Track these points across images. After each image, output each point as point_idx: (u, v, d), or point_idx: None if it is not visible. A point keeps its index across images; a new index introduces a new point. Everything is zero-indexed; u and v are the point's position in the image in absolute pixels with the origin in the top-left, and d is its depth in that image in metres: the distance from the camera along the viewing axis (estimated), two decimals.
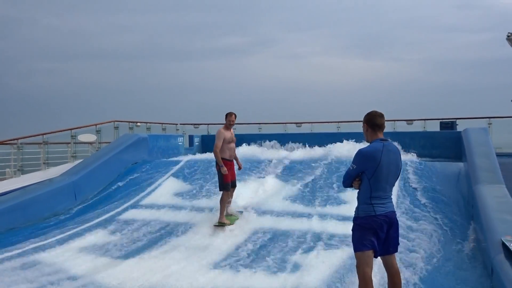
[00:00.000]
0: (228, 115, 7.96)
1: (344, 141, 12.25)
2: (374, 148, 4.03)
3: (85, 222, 8.43)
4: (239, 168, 8.23)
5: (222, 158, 7.75)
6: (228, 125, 7.94)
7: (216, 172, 7.97)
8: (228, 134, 7.87)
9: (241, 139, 14.11)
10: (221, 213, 7.68)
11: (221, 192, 7.84)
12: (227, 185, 7.80)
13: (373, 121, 4.13)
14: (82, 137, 13.45)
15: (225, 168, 7.64)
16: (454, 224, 7.24)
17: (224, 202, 7.77)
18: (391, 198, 4.15)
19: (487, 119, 13.98)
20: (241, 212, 8.19)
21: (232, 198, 8.11)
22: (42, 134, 12.59)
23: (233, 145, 8.01)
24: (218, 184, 7.96)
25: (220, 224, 7.57)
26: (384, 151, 4.00)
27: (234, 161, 8.13)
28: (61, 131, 13.22)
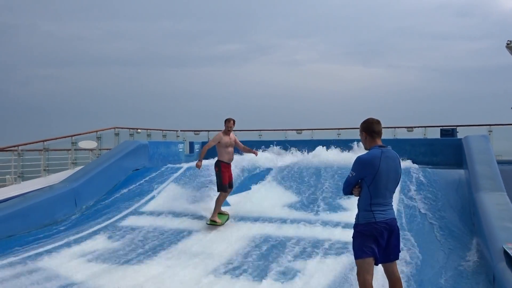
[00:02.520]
0: (227, 121, 8.37)
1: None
2: (372, 155, 4.04)
3: (85, 229, 8.41)
4: (256, 154, 8.96)
5: (221, 161, 8.29)
6: (227, 131, 8.35)
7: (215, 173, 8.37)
8: (226, 139, 8.30)
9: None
10: (215, 211, 8.08)
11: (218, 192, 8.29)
12: (225, 186, 8.25)
13: (372, 128, 4.14)
14: (83, 144, 13.44)
15: (200, 163, 8.30)
16: (454, 232, 7.21)
17: (220, 202, 8.18)
18: (392, 205, 4.14)
19: (488, 126, 13.97)
20: (226, 215, 8.45)
21: (227, 194, 8.58)
22: (43, 141, 12.59)
23: (231, 149, 8.41)
24: (216, 185, 8.43)
25: (212, 223, 7.93)
26: (383, 157, 4.00)
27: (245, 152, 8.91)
28: (61, 137, 13.21)
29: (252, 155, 9.11)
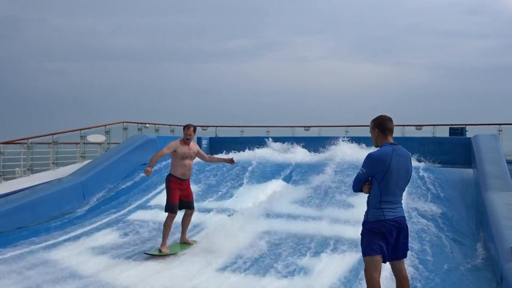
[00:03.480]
0: (185, 128, 6.91)
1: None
2: (383, 152, 4.02)
3: (93, 222, 8.47)
4: (231, 161, 7.34)
5: (172, 176, 6.89)
6: (185, 139, 6.89)
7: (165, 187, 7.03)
8: (184, 149, 6.85)
9: (248, 142, 14.16)
10: (163, 239, 6.68)
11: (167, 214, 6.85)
12: (172, 206, 6.80)
13: (385, 125, 4.12)
14: (91, 138, 13.54)
15: (149, 169, 6.59)
16: (462, 231, 7.18)
17: (167, 227, 6.74)
18: (401, 203, 4.13)
19: (497, 125, 13.85)
20: (194, 242, 7.16)
21: (189, 221, 7.18)
22: (52, 134, 12.70)
23: (188, 162, 6.92)
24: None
25: (159, 253, 6.48)
26: (394, 155, 3.99)
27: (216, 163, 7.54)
28: (70, 131, 13.32)
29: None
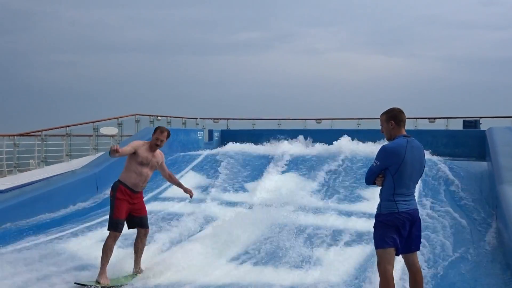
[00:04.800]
0: (157, 131, 5.53)
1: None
2: (397, 144, 4.00)
3: (106, 214, 8.50)
4: (190, 195, 5.96)
5: (122, 184, 5.38)
6: (153, 144, 5.52)
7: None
8: (146, 154, 5.46)
9: (260, 134, 14.15)
10: (101, 266, 5.18)
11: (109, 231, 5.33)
12: (116, 222, 5.28)
13: (400, 117, 4.11)
14: (104, 130, 13.65)
15: (116, 147, 5.03)
16: (476, 224, 7.12)
17: (108, 249, 5.22)
18: (414, 196, 4.11)
19: None
20: (137, 273, 5.56)
21: (143, 245, 5.63)
22: (65, 126, 12.83)
23: (146, 171, 5.50)
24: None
25: (95, 285, 5.01)
26: (408, 147, 3.96)
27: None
28: (83, 123, 13.45)
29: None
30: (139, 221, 5.53)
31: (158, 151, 5.63)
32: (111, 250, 5.25)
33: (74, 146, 13.40)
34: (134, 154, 5.40)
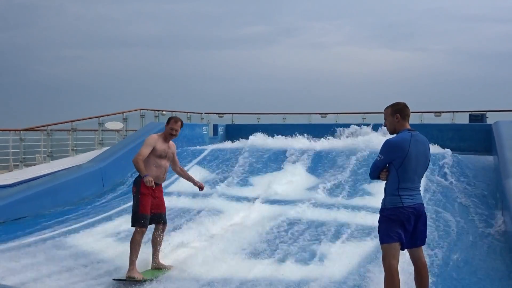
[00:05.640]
0: (172, 121, 5.62)
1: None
2: (401, 138, 3.99)
3: (112, 208, 8.59)
4: (201, 188, 6.09)
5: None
6: (167, 135, 5.61)
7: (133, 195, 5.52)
8: (163, 147, 5.56)
9: (265, 129, 14.12)
10: (130, 260, 5.22)
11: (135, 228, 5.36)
12: (142, 217, 5.33)
13: (405, 111, 4.10)
14: (109, 125, 13.71)
15: (150, 178, 5.24)
16: (482, 218, 7.09)
17: (135, 244, 5.26)
18: (419, 190, 4.09)
19: None
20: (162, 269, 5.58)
21: (161, 240, 5.67)
22: (71, 121, 12.90)
23: (165, 163, 5.61)
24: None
25: (128, 279, 5.10)
26: (412, 141, 3.95)
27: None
28: (89, 118, 13.52)
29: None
30: (158, 218, 5.61)
31: (171, 142, 5.72)
32: (140, 245, 5.31)
33: (79, 141, 13.47)
34: (152, 149, 5.48)
